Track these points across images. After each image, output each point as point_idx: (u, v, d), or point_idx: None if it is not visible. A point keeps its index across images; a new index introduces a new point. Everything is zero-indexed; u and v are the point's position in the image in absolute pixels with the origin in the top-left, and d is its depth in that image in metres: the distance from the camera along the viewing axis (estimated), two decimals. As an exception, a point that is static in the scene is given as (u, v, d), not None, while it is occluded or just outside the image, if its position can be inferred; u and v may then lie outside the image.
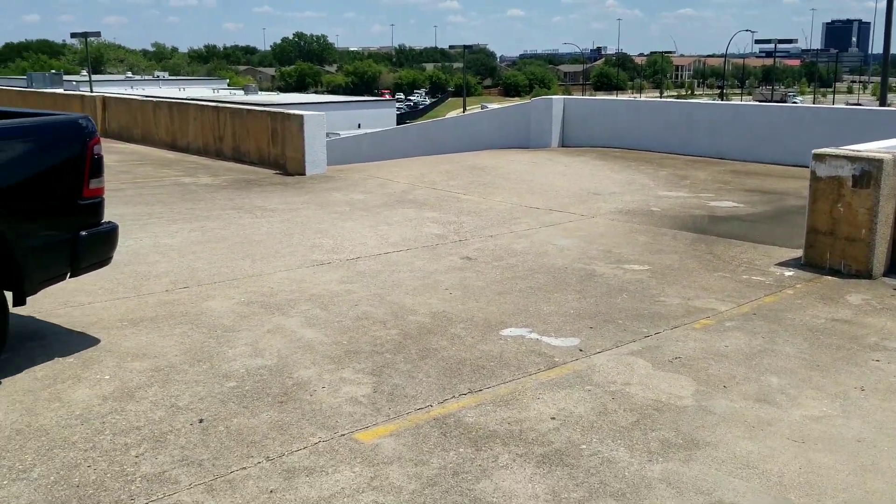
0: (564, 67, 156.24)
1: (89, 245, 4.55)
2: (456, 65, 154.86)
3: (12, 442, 3.54)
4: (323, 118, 12.57)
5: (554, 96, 15.48)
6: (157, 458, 3.40)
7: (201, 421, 3.75)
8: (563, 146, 14.50)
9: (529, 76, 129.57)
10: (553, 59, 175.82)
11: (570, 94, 24.68)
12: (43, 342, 4.77)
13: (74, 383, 4.18)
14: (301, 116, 12.17)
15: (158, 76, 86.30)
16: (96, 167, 4.58)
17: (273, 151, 12.77)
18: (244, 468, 3.32)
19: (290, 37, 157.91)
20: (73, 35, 54.22)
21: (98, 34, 44.16)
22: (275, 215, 8.70)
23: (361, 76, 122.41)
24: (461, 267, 6.52)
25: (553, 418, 3.81)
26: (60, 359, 4.51)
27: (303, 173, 11.89)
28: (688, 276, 6.30)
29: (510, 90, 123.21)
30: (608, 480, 3.26)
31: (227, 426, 3.70)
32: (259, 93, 63.81)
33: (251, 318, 5.26)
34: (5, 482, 3.21)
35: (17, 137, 4.27)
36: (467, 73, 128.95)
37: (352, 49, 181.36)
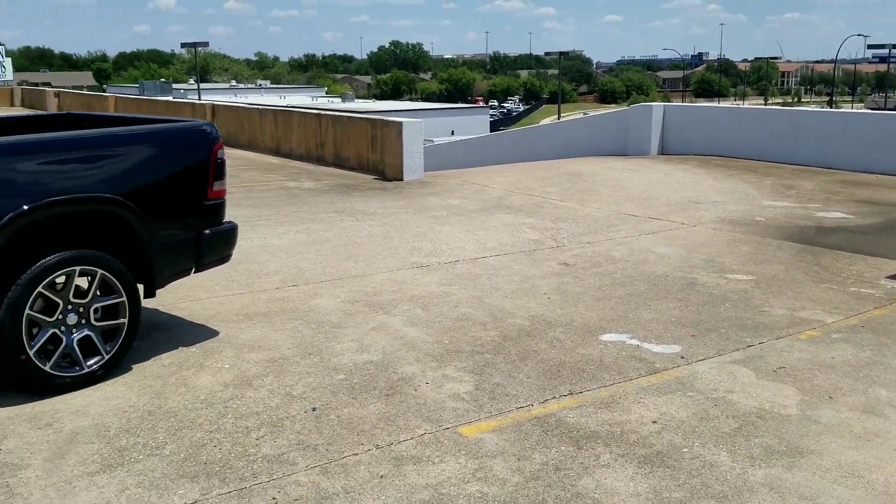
0: (663, 74, 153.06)
1: (212, 243, 4.87)
2: (551, 71, 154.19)
3: (145, 421, 3.85)
4: (421, 125, 12.85)
5: (653, 103, 15.31)
6: (276, 441, 3.64)
7: (314, 409, 3.98)
8: (662, 154, 14.31)
9: (627, 82, 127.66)
10: (651, 66, 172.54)
11: (669, 101, 24.24)
12: (168, 332, 5.14)
13: (198, 371, 4.50)
14: (400, 123, 12.49)
15: (260, 84, 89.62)
16: (219, 170, 4.91)
17: (372, 157, 13.15)
18: (356, 454, 3.52)
19: (387, 45, 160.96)
20: (184, 45, 57.00)
21: (206, 44, 46.27)
22: (375, 219, 8.99)
23: (455, 83, 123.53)
24: (559, 272, 6.60)
25: (654, 422, 3.85)
26: (184, 348, 4.85)
27: (401, 179, 12.19)
28: (793, 287, 6.18)
29: (606, 97, 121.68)
30: (710, 483, 3.29)
31: (339, 415, 3.91)
32: (356, 100, 65.31)
33: (356, 315, 5.49)
34: (141, 457, 3.50)
35: (149, 142, 4.64)
36: (562, 79, 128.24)
37: (446, 56, 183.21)
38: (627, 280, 6.36)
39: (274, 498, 3.16)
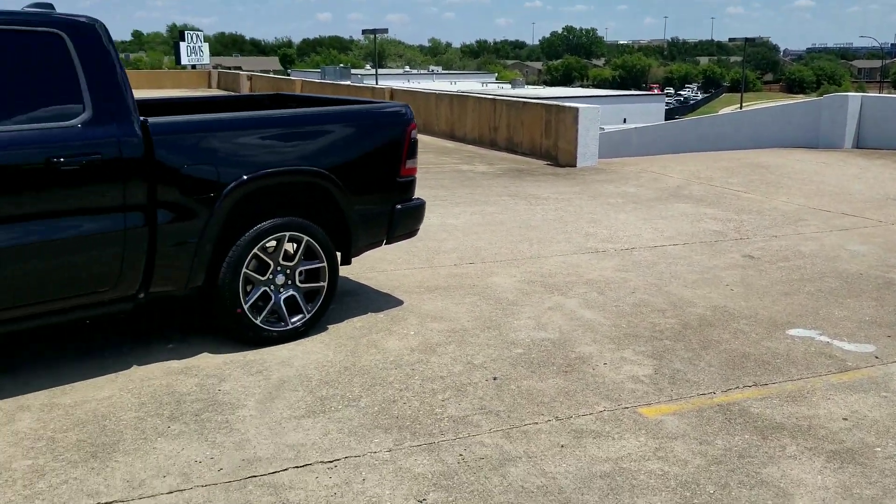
0: (859, 63, 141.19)
1: (402, 217, 5.18)
2: (733, 58, 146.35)
3: (342, 376, 4.20)
4: (597, 111, 12.75)
5: (849, 93, 14.26)
6: (460, 404, 3.86)
7: (495, 378, 4.16)
8: (857, 148, 13.34)
9: (817, 71, 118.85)
10: (846, 54, 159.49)
11: (864, 92, 22.40)
12: (357, 299, 5.52)
13: (386, 335, 4.81)
14: (576, 109, 12.45)
15: (433, 70, 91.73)
16: (412, 150, 5.19)
17: (545, 143, 13.21)
18: (536, 423, 3.66)
19: (560, 31, 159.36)
20: (364, 32, 59.36)
21: (385, 31, 48.03)
22: (548, 203, 9.07)
23: (629, 70, 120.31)
24: (742, 265, 6.40)
25: (845, 419, 3.71)
26: (373, 314, 5.20)
27: (574, 165, 12.17)
28: None
29: (794, 86, 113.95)
30: (907, 487, 3.14)
31: (518, 386, 4.07)
32: (525, 87, 65.31)
33: (532, 295, 5.63)
34: (340, 407, 3.83)
35: (352, 121, 4.98)
36: (746, 67, 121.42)
37: (621, 42, 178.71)
38: (817, 276, 6.07)
39: (461, 454, 3.37)
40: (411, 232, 5.37)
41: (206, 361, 4.36)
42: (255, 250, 4.50)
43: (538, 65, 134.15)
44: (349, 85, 26.59)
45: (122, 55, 4.10)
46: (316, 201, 4.81)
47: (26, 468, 3.22)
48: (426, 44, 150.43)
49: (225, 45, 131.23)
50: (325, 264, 4.78)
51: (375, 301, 5.47)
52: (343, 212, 4.82)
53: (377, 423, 3.67)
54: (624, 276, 6.10)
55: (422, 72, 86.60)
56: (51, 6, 4.26)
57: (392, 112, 5.20)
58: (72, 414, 3.71)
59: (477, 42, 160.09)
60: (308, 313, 4.76)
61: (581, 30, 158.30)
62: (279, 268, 4.64)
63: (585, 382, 4.13)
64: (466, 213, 8.59)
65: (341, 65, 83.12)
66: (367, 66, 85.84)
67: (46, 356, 4.37)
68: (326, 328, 4.88)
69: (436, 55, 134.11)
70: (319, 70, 70.18)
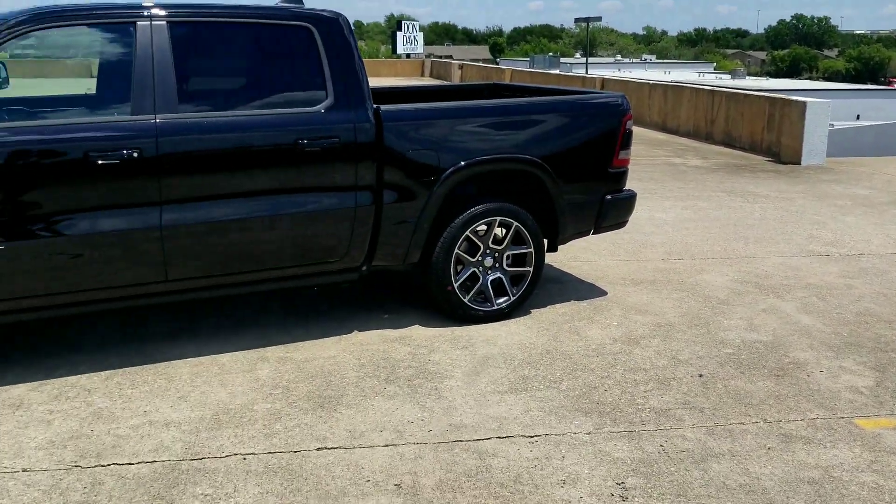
0: None
1: (612, 208, 5.19)
2: None
3: (544, 358, 4.33)
4: (827, 106, 11.85)
5: None
6: (663, 397, 3.85)
7: (701, 376, 4.10)
8: None
9: None
10: None
11: None
12: (561, 286, 5.61)
13: (588, 323, 4.88)
14: (803, 103, 11.65)
15: (645, 59, 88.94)
16: (626, 140, 5.19)
17: (766, 138, 12.48)
18: (742, 423, 3.58)
19: (787, 19, 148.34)
20: (577, 20, 58.74)
21: (599, 19, 47.16)
22: (767, 202, 8.62)
23: (866, 62, 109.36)
24: None
25: None
26: (576, 302, 5.27)
27: (798, 163, 11.43)
28: None
29: None
30: None
31: (725, 385, 3.98)
32: (746, 77, 61.54)
33: (745, 295, 5.42)
34: (541, 387, 3.97)
35: (568, 111, 5.06)
36: None
37: (857, 32, 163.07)
38: None
39: (661, 446, 3.38)
40: (620, 223, 5.37)
41: (418, 333, 4.67)
42: (467, 232, 4.74)
43: (761, 55, 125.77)
44: (558, 74, 26.57)
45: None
46: (527, 189, 4.95)
47: (265, 411, 3.67)
48: (640, 32, 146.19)
49: (438, 34, 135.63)
50: (531, 250, 4.92)
51: (579, 290, 5.54)
52: (553, 200, 4.93)
53: (577, 406, 3.76)
54: (849, 283, 5.70)
55: (633, 61, 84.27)
56: (300, 2, 4.74)
57: (608, 103, 5.22)
58: (302, 368, 4.14)
59: (695, 30, 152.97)
60: (513, 296, 4.93)
61: (812, 18, 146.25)
62: (488, 250, 4.84)
63: (798, 388, 3.95)
64: (677, 207, 8.38)
65: (550, 53, 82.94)
66: (577, 55, 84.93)
67: (281, 317, 4.89)
68: (530, 312, 5.03)
69: (650, 43, 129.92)
70: (528, 59, 70.51)
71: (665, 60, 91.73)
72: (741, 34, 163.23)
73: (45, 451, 3.29)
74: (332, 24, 4.47)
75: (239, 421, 3.56)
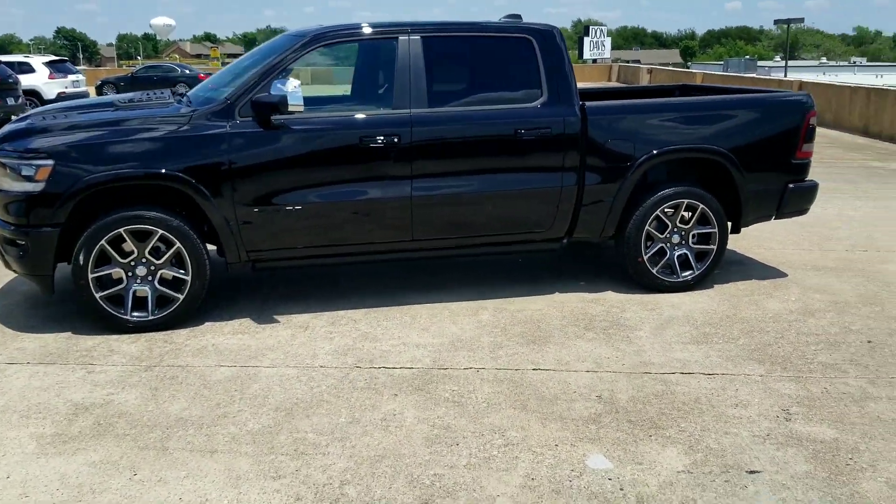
0: None
1: (793, 196, 5.71)
2: None
3: (723, 321, 4.98)
4: None
5: None
6: (831, 354, 4.40)
7: (870, 342, 4.59)
8: None
9: None
10: None
11: None
12: (742, 268, 6.17)
13: (767, 297, 5.44)
14: None
15: (854, 62, 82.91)
16: (810, 135, 5.68)
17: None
18: (903, 378, 4.08)
19: None
20: (776, 22, 56.15)
21: (801, 20, 44.96)
22: (968, 203, 8.52)
23: None
24: None
25: None
26: (756, 280, 5.83)
27: None
28: None
29: None
30: None
31: (893, 350, 4.45)
32: (972, 80, 55.78)
33: (926, 283, 5.71)
34: (720, 342, 4.63)
35: (753, 108, 5.63)
36: None
37: None
38: None
39: (825, 388, 3.97)
40: (801, 210, 5.86)
41: (611, 297, 5.46)
42: (657, 212, 5.46)
43: None
44: (753, 77, 25.99)
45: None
46: (713, 176, 5.60)
47: (489, 342, 4.63)
48: (850, 32, 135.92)
49: (626, 38, 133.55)
50: (716, 230, 5.56)
51: (760, 271, 6.07)
52: (737, 187, 5.54)
53: (752, 356, 4.41)
54: None
55: (840, 63, 78.85)
56: (519, 17, 5.70)
57: (793, 100, 5.75)
58: (515, 315, 5.08)
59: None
60: (697, 271, 5.59)
61: None
62: (675, 229, 5.54)
63: (964, 357, 4.34)
64: (868, 206, 8.54)
65: (746, 56, 79.47)
66: (777, 58, 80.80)
67: (494, 279, 5.87)
68: (712, 286, 5.66)
69: (860, 45, 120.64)
70: (722, 62, 68.13)
71: (877, 63, 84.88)
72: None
73: (332, 356, 4.45)
74: (547, 35, 5.39)
75: (470, 347, 4.55)
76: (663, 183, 5.52)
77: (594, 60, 44.28)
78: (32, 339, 4.74)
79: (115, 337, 4.75)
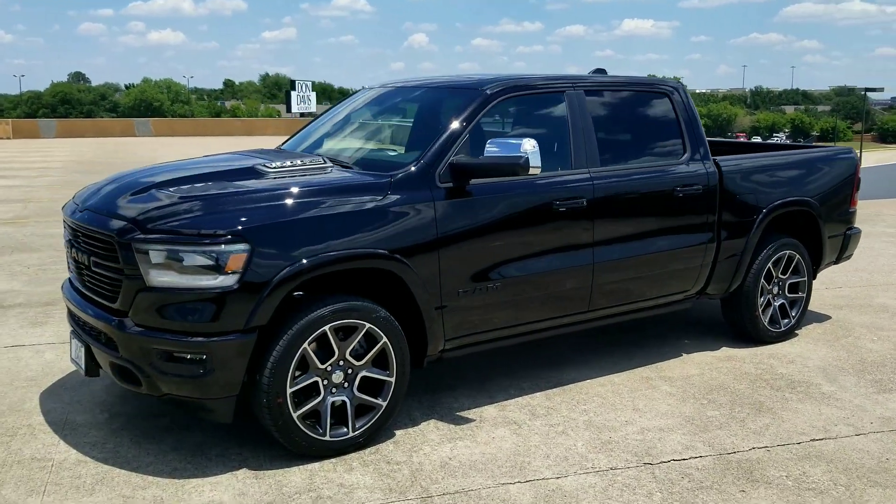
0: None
1: (850, 241, 6.21)
2: (820, 108, 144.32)
3: (864, 365, 5.18)
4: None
5: None
6: None
7: None
8: None
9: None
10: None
11: None
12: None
13: (856, 338, 5.78)
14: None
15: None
16: (858, 185, 6.23)
17: None
18: None
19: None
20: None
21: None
22: None
23: (715, 119, 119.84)
24: None
25: None
26: (818, 323, 6.17)
27: None
28: None
29: (887, 136, 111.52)
30: None
31: None
32: None
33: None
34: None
35: (826, 162, 5.99)
36: (836, 116, 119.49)
37: (698, 91, 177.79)
38: None
39: None
40: (850, 255, 6.38)
41: (736, 353, 5.42)
42: (769, 264, 5.57)
43: None
44: None
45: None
46: (801, 225, 5.86)
47: (717, 417, 4.33)
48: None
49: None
50: (805, 279, 5.83)
51: (809, 314, 6.47)
52: (821, 234, 5.87)
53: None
54: None
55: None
56: (604, 71, 5.49)
57: (849, 155, 6.24)
58: (691, 381, 4.83)
59: None
60: (792, 319, 5.79)
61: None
62: (776, 279, 5.69)
63: None
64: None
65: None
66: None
67: (624, 342, 5.53)
68: (796, 334, 5.85)
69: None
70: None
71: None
72: None
73: (592, 451, 3.83)
74: (680, 91, 5.28)
75: (706, 427, 4.21)
76: (771, 236, 5.65)
77: (301, 114, 42.78)
78: (214, 488, 3.39)
79: (316, 465, 3.61)
